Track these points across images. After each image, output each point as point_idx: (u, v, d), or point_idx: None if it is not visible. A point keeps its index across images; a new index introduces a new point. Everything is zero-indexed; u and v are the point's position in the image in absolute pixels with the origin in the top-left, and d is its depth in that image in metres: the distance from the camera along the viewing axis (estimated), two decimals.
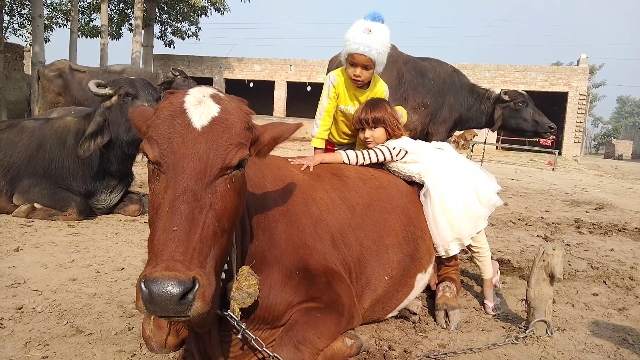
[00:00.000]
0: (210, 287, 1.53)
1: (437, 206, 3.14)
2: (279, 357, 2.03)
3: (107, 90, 4.82)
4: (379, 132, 3.37)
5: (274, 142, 1.96)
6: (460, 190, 3.18)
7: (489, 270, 3.31)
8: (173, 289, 1.42)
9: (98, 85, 4.88)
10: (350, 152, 3.31)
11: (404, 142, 3.38)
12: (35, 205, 4.74)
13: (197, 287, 1.47)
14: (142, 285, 1.44)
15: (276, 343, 2.14)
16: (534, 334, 2.78)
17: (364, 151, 3.30)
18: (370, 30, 3.59)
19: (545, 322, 2.80)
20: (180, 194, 1.58)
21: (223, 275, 1.94)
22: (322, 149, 3.97)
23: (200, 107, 1.72)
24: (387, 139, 3.40)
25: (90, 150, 4.65)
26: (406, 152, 3.30)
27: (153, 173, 1.70)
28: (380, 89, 3.94)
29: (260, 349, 2.06)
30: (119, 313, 2.72)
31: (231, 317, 1.97)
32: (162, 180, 1.65)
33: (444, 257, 3.21)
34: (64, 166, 4.88)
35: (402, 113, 4.33)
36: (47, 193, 4.78)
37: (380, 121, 3.34)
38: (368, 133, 3.38)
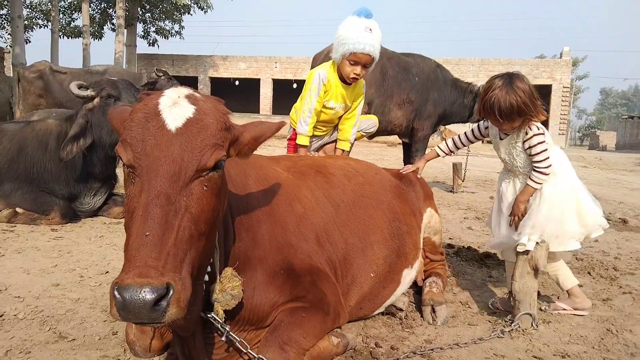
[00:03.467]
0: (185, 293, 1.51)
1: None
2: (264, 358, 2.02)
3: (89, 92, 4.76)
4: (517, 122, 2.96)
5: (255, 141, 1.94)
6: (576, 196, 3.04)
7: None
8: (146, 295, 1.39)
9: (80, 87, 4.82)
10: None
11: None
12: (17, 209, 4.67)
13: (171, 293, 1.44)
14: (115, 293, 1.42)
15: (261, 344, 2.13)
16: (519, 327, 2.80)
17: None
18: (371, 30, 3.64)
19: (530, 315, 2.82)
20: (154, 198, 1.55)
21: (206, 278, 1.92)
22: (307, 146, 4.00)
23: (175, 108, 1.69)
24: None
25: (72, 152, 4.59)
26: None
27: (128, 177, 1.67)
28: (360, 84, 4.02)
29: (245, 351, 2.05)
30: (102, 318, 2.69)
31: (215, 319, 1.95)
32: (137, 183, 1.62)
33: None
34: (46, 169, 4.81)
35: (375, 122, 4.33)
36: (29, 197, 4.71)
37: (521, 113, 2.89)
38: (506, 126, 2.97)
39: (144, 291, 1.40)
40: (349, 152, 4.24)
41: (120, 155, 1.66)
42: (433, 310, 2.97)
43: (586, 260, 4.39)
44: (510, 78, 2.90)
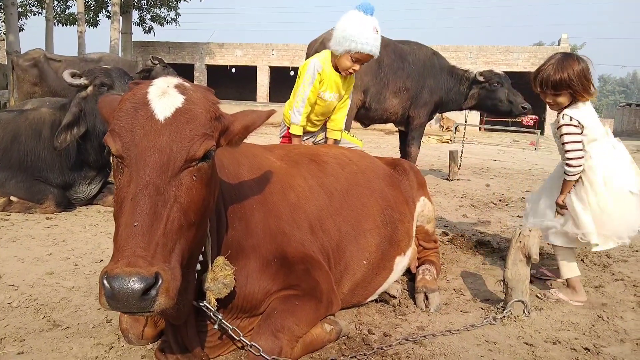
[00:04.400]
0: (174, 282, 1.52)
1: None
2: (257, 345, 2.04)
3: (82, 81, 4.73)
4: (563, 98, 3.05)
5: (245, 131, 1.93)
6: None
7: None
8: (134, 284, 1.41)
9: (73, 76, 4.78)
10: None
11: (585, 112, 3.06)
12: (12, 198, 4.66)
13: (160, 282, 1.45)
14: (104, 282, 1.42)
15: (254, 331, 2.14)
16: (511, 314, 2.82)
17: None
18: (377, 30, 3.68)
19: (522, 302, 2.84)
20: (142, 188, 1.55)
21: (198, 267, 1.93)
22: (301, 136, 3.97)
23: (164, 98, 1.68)
24: (570, 104, 3.08)
25: (66, 141, 4.57)
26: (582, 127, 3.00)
27: (117, 167, 1.67)
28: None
29: (237, 339, 2.06)
30: (96, 306, 2.70)
31: (207, 308, 1.97)
32: (126, 174, 1.62)
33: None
34: (40, 158, 4.79)
35: (359, 148, 4.27)
36: (24, 186, 4.70)
37: (564, 85, 2.99)
38: (550, 99, 3.06)
39: (133, 280, 1.41)
40: (339, 141, 4.24)
41: (109, 145, 1.65)
42: (426, 297, 2.99)
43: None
44: (566, 55, 3.05)
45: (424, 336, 2.53)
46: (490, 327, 2.71)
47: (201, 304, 1.97)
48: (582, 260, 4.05)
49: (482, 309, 3.00)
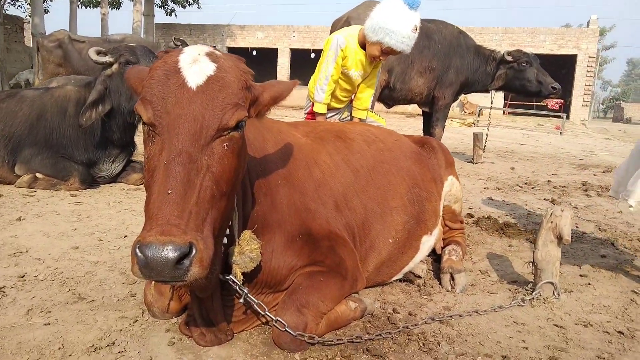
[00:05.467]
0: (207, 252, 1.48)
1: None
2: (282, 320, 2.01)
3: (108, 58, 4.72)
4: None
5: (273, 101, 1.89)
6: None
7: None
8: (168, 253, 1.38)
9: (98, 53, 4.78)
10: None
11: None
12: (37, 175, 4.70)
13: (194, 252, 1.42)
14: (137, 251, 1.40)
15: (279, 307, 2.12)
16: (540, 295, 2.75)
17: None
18: (416, 29, 3.57)
19: (552, 283, 2.77)
20: (175, 156, 1.52)
21: (225, 240, 1.90)
22: (324, 114, 3.91)
23: (195, 65, 1.64)
24: None
25: (91, 119, 4.59)
26: None
27: (148, 135, 1.64)
28: None
29: (263, 313, 2.04)
30: (121, 280, 2.71)
31: (233, 281, 1.95)
32: (157, 142, 1.59)
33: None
34: (65, 135, 4.82)
35: (382, 124, 4.18)
36: (49, 163, 4.74)
37: None
38: None
39: (167, 249, 1.39)
40: (365, 120, 4.16)
41: (140, 113, 1.62)
42: (452, 278, 2.93)
43: (609, 231, 4.30)
44: None
45: (451, 316, 2.48)
46: (518, 308, 2.65)
47: (227, 277, 1.95)
48: (612, 243, 3.94)
49: (510, 290, 2.93)
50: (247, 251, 1.93)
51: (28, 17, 23.58)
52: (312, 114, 3.96)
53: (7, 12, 22.84)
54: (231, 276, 1.94)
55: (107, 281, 2.69)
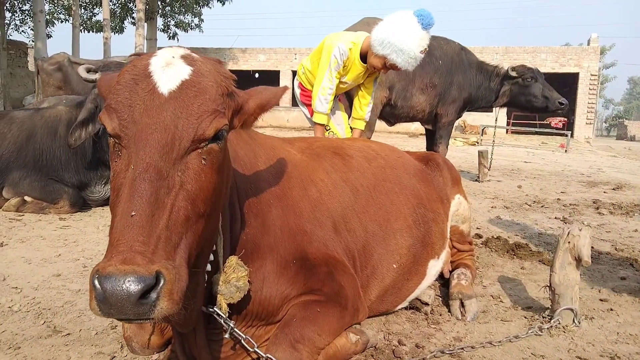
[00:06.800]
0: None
1: None
2: (272, 358, 1.79)
3: (97, 76, 4.58)
4: None
5: (261, 110, 1.69)
6: None
7: None
8: (130, 286, 1.15)
9: (88, 71, 4.66)
10: None
11: None
12: (26, 198, 4.52)
13: (161, 283, 1.20)
14: (95, 282, 1.17)
15: (270, 342, 1.89)
16: (559, 323, 2.52)
17: None
18: (425, 51, 3.52)
19: (572, 310, 2.54)
20: (142, 172, 1.30)
21: (208, 267, 1.69)
22: (325, 125, 3.83)
23: (168, 69, 1.44)
24: None
25: (81, 138, 4.41)
26: None
27: (114, 149, 1.42)
28: None
29: (251, 350, 1.81)
30: None
31: (218, 314, 1.72)
32: (124, 156, 1.37)
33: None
34: (56, 157, 4.65)
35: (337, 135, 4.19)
36: (38, 185, 4.56)
37: None
38: None
39: (128, 281, 1.16)
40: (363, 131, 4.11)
41: (104, 123, 1.41)
42: (462, 305, 2.71)
43: (627, 251, 4.06)
44: None
45: (462, 348, 2.25)
46: (535, 338, 2.42)
47: (211, 309, 1.73)
48: (631, 264, 3.70)
49: (525, 317, 2.70)
50: (233, 279, 1.72)
51: (31, 42, 23.77)
52: (305, 91, 4.05)
53: (10, 37, 23.03)
54: (215, 308, 1.72)
55: (86, 312, 2.48)
